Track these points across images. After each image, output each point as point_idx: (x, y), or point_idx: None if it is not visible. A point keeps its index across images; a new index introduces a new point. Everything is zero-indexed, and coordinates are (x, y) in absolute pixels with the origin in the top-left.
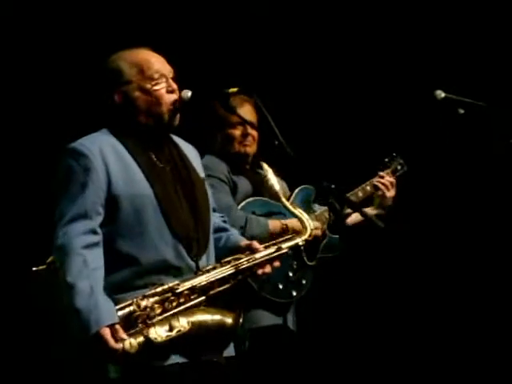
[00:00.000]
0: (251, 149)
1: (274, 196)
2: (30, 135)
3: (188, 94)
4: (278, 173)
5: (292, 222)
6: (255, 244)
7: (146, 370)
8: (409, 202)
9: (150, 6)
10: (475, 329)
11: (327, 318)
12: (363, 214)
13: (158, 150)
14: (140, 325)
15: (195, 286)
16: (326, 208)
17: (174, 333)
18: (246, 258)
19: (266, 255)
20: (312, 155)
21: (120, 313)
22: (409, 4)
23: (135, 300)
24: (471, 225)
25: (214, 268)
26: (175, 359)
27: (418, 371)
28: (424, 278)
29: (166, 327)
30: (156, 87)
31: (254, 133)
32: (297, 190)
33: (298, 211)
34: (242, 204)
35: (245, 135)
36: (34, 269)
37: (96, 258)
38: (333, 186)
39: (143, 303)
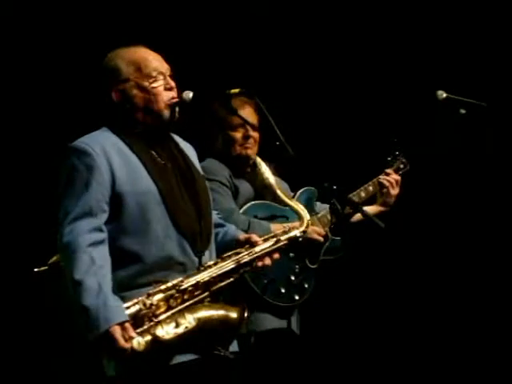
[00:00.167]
0: (252, 151)
1: (269, 188)
2: (29, 135)
3: (189, 94)
4: (278, 173)
5: (294, 225)
6: (254, 237)
7: (154, 368)
8: (410, 202)
9: (149, 6)
10: (479, 331)
11: (331, 320)
12: (364, 214)
13: (159, 147)
14: (146, 323)
15: (199, 282)
16: (327, 210)
17: (181, 329)
18: (246, 252)
19: (266, 248)
20: (313, 156)
21: (127, 311)
22: (410, 4)
23: (141, 298)
24: (471, 225)
25: (216, 263)
26: (182, 356)
27: (421, 371)
28: (428, 278)
29: (173, 324)
30: (154, 84)
31: (256, 135)
32: (299, 193)
33: (294, 203)
34: (244, 208)
35: (246, 137)
36: (35, 270)
37: (103, 256)
38: (334, 187)
39: (149, 301)
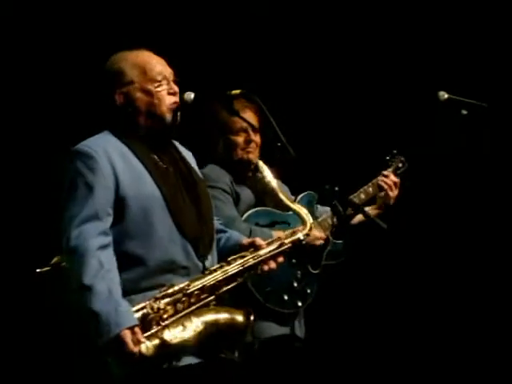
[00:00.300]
0: (254, 155)
1: (271, 192)
2: (31, 137)
3: (191, 95)
4: (279, 176)
5: (297, 229)
6: (258, 241)
7: (160, 370)
8: (411, 202)
9: (150, 7)
10: (483, 333)
11: (334, 322)
12: (366, 216)
13: (160, 151)
14: (154, 327)
15: (205, 285)
16: (328, 214)
17: (188, 333)
18: (251, 256)
19: (271, 251)
20: (314, 158)
21: (135, 315)
22: (411, 4)
23: (148, 302)
24: (472, 225)
25: (221, 267)
26: (188, 358)
27: (426, 373)
28: (431, 279)
29: (180, 328)
30: (158, 89)
31: (257, 139)
32: (299, 197)
33: (297, 206)
34: (245, 215)
35: (248, 142)
36: (37, 270)
37: (110, 260)
38: (336, 189)
39: (156, 305)
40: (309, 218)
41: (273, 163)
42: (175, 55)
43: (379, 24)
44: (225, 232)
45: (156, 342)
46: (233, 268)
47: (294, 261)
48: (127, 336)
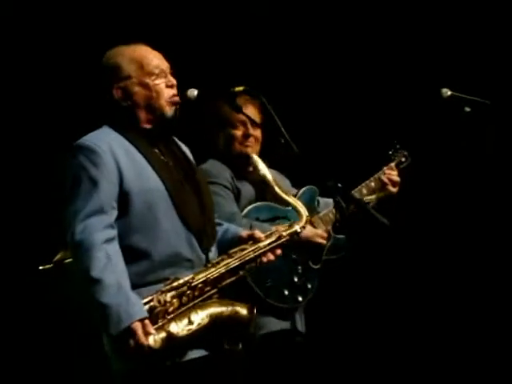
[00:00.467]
0: (253, 150)
1: (267, 184)
2: (30, 134)
3: (194, 92)
4: (282, 171)
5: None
6: (257, 233)
7: (166, 364)
8: (413, 199)
9: (151, 4)
10: (484, 333)
11: (335, 317)
12: (367, 211)
13: (161, 144)
14: (160, 320)
15: (208, 278)
16: (329, 209)
17: (194, 326)
18: (251, 248)
19: (270, 243)
20: (317, 153)
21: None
22: (414, 2)
23: (155, 295)
24: (472, 225)
25: (222, 260)
26: (194, 352)
27: (424, 370)
28: (430, 276)
29: (186, 321)
30: (156, 82)
31: (257, 134)
32: (301, 191)
33: (293, 199)
34: (246, 210)
35: (246, 136)
36: (40, 267)
37: (117, 253)
38: (339, 185)
39: (162, 298)
40: (304, 211)
41: (276, 158)
42: (177, 54)
43: (382, 20)
44: (221, 225)
45: (163, 334)
46: (234, 261)
47: (294, 256)
48: (139, 328)
